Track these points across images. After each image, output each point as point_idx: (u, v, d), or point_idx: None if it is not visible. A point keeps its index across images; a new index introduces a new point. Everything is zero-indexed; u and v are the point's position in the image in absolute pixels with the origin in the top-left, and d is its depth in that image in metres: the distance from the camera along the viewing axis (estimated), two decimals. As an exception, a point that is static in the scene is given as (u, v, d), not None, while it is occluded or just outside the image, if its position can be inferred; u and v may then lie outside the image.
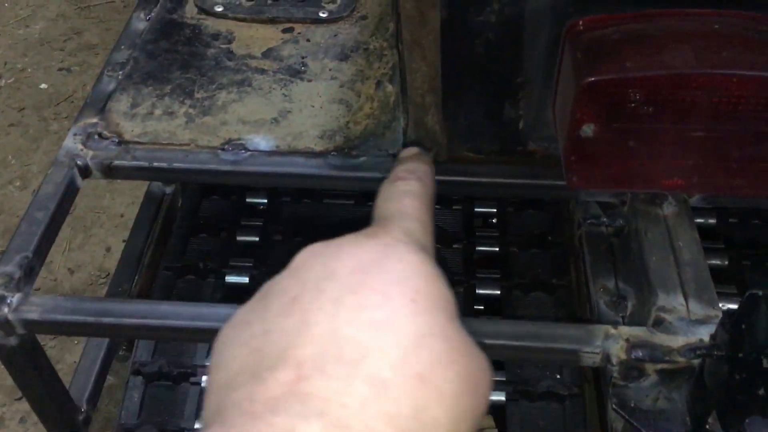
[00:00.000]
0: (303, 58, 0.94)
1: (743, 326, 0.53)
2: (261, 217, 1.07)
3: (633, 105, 0.61)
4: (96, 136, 0.81)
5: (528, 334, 0.65)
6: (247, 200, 1.08)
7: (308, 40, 0.97)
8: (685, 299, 0.66)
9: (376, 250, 0.42)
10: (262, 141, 0.82)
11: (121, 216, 1.79)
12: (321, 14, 1.00)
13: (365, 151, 0.80)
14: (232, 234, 1.03)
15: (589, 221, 0.94)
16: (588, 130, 0.63)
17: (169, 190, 1.09)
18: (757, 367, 0.53)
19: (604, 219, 0.93)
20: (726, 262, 1.00)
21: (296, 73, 0.92)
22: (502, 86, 0.69)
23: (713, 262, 1.01)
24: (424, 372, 0.37)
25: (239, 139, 0.82)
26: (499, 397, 0.87)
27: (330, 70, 0.92)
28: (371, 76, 0.90)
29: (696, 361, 0.61)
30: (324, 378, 0.35)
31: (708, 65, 0.59)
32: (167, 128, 0.83)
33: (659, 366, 0.62)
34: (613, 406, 0.64)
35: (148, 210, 1.06)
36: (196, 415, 0.87)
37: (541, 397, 0.88)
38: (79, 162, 0.79)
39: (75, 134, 0.81)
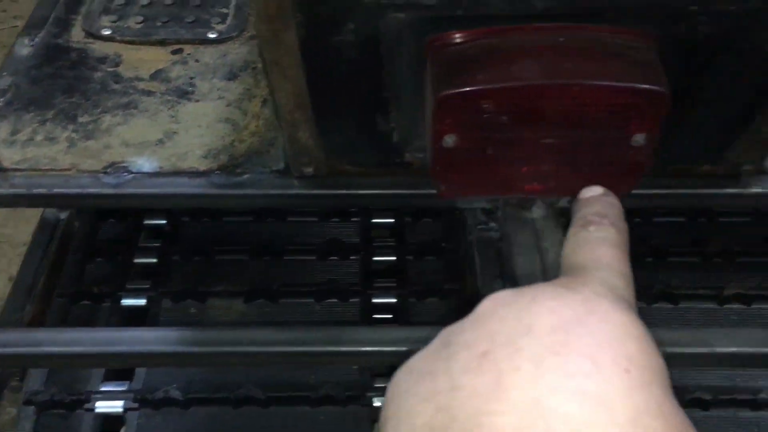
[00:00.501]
0: (191, 78, 0.95)
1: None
2: (159, 239, 1.06)
3: (487, 115, 0.64)
4: (-28, 165, 0.80)
5: (400, 339, 0.67)
6: (145, 222, 1.08)
7: (197, 61, 0.98)
8: (550, 297, 0.69)
9: (576, 305, 0.38)
10: (145, 163, 0.82)
11: (24, 244, 1.75)
12: (210, 35, 1.01)
13: (249, 169, 0.82)
14: (129, 257, 1.03)
15: (478, 227, 0.98)
16: (449, 140, 0.66)
17: (63, 215, 1.07)
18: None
19: (493, 225, 0.98)
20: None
21: (184, 93, 0.93)
22: (371, 102, 0.72)
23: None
24: None
25: (122, 161, 0.82)
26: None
27: (218, 89, 0.93)
28: (258, 95, 0.92)
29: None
30: None
31: (553, 76, 0.63)
32: (48, 154, 0.82)
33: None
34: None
35: (42, 236, 1.05)
36: (92, 441, 0.87)
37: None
38: (-47, 190, 0.78)
39: (-50, 163, 0.80)
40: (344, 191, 0.81)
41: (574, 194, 0.77)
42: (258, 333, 0.68)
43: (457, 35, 0.66)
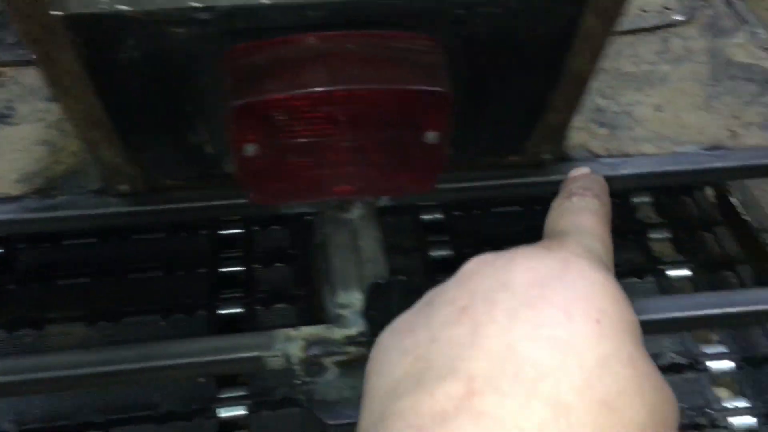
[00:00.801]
0: (10, 101, 0.92)
1: (372, 312, 0.59)
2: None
3: (282, 123, 0.66)
4: None
5: (212, 349, 0.68)
6: (-22, 252, 1.04)
7: (18, 83, 0.95)
8: (362, 294, 0.72)
9: (554, 263, 0.39)
10: (-46, 191, 0.79)
11: None
12: (33, 55, 0.98)
13: (66, 190, 0.80)
14: (-40, 290, 0.99)
15: (321, 231, 1.00)
16: (250, 149, 0.67)
17: None
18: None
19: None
20: (452, 252, 1.10)
21: (2, 117, 0.90)
22: (175, 116, 0.72)
23: (439, 253, 1.10)
24: (609, 399, 0.34)
25: (-72, 191, 0.79)
26: (241, 411, 0.90)
27: (39, 111, 0.91)
28: (79, 114, 0.90)
29: (361, 349, 0.67)
30: (498, 396, 0.33)
31: (341, 82, 0.65)
32: None
33: (335, 358, 0.68)
34: (303, 402, 0.68)
35: None
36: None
37: (281, 405, 0.91)
38: None
39: None
40: (164, 206, 0.81)
41: (382, 193, 0.81)
42: (69, 356, 0.67)
43: (251, 47, 0.67)
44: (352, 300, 0.71)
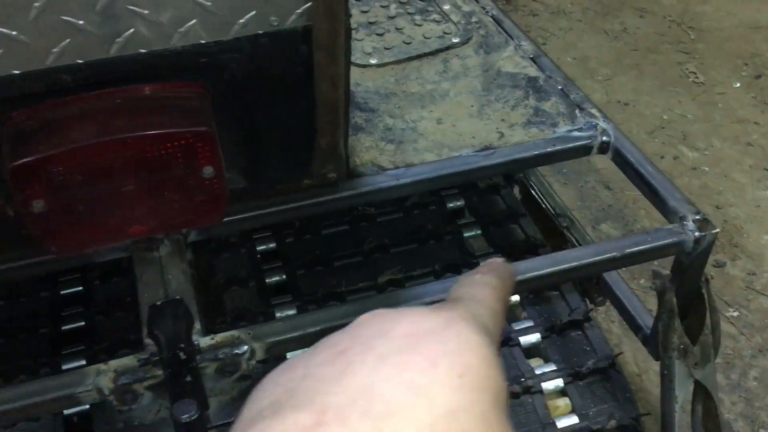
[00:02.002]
0: None
1: (155, 332, 0.66)
2: None
3: (62, 177, 0.73)
4: None
5: (29, 393, 0.73)
6: None
7: None
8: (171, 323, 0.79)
9: (436, 321, 0.42)
10: None
11: None
12: None
13: None
14: None
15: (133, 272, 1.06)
16: (38, 206, 0.74)
17: None
18: (177, 361, 0.66)
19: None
20: (284, 277, 1.18)
21: None
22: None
23: (275, 278, 1.19)
24: None
25: None
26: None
27: None
28: None
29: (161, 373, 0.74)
30: (345, 428, 0.35)
31: (110, 133, 0.73)
32: None
33: (147, 383, 0.74)
34: (117, 427, 0.74)
35: None
36: None
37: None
38: None
39: None
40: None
41: (175, 228, 0.88)
42: None
43: (25, 112, 0.74)
44: (159, 330, 0.78)
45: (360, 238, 1.24)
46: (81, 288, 1.16)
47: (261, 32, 0.72)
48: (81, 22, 0.65)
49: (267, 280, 1.18)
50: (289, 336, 0.78)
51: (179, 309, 0.67)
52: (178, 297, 0.68)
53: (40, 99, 0.72)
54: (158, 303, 0.67)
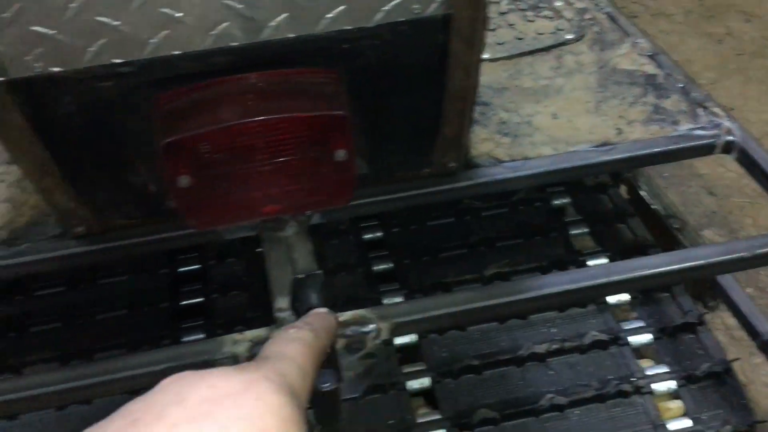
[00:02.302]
0: (-29, 166, 1.03)
1: (297, 305, 0.69)
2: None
3: (207, 154, 0.77)
4: None
5: (168, 357, 0.77)
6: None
7: (-22, 151, 1.06)
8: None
9: (237, 383, 0.42)
10: (-71, 247, 0.89)
11: None
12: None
13: (29, 238, 0.90)
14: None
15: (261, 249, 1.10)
16: (183, 181, 0.78)
17: None
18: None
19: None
20: (391, 265, 1.20)
21: (-35, 181, 1.00)
22: (116, 160, 0.82)
23: (382, 266, 1.21)
24: None
25: None
26: None
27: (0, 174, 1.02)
28: (37, 173, 1.01)
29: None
30: None
31: (253, 114, 0.77)
32: None
33: (277, 355, 0.77)
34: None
35: None
36: None
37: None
38: None
39: None
40: (118, 244, 0.91)
41: (306, 209, 0.91)
42: (36, 377, 0.75)
43: (175, 93, 0.78)
44: (285, 305, 0.81)
45: (465, 231, 1.26)
46: (199, 266, 1.21)
47: (402, 20, 0.74)
48: (240, 6, 0.69)
49: (374, 268, 1.20)
50: (413, 318, 0.80)
51: (319, 282, 0.70)
52: (319, 271, 0.71)
53: (191, 80, 0.76)
54: (301, 276, 0.70)
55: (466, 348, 1.08)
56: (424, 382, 1.04)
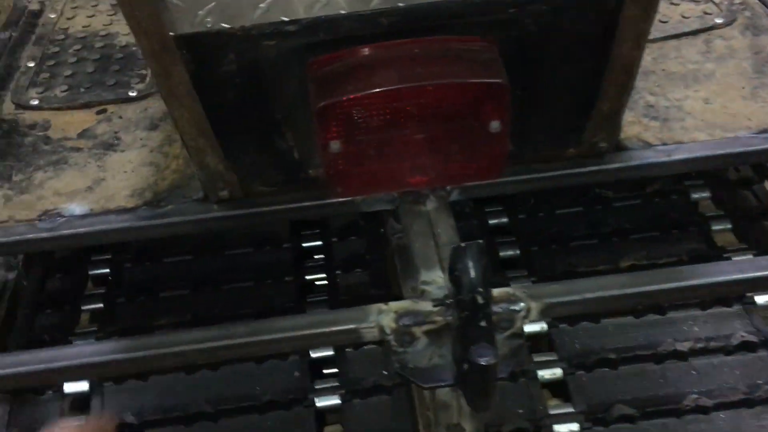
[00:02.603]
0: (116, 133, 1.05)
1: (457, 273, 0.66)
2: (104, 286, 1.14)
3: (361, 120, 0.75)
4: None
5: (314, 323, 0.76)
6: (90, 272, 1.15)
7: (120, 117, 1.08)
8: (443, 272, 0.79)
9: None
10: (76, 207, 0.91)
11: None
12: (131, 93, 1.11)
13: (172, 201, 0.91)
14: (76, 305, 1.10)
15: (396, 236, 1.08)
16: (335, 146, 0.77)
17: (11, 275, 1.15)
18: (474, 304, 0.66)
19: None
20: (518, 252, 1.16)
21: (110, 146, 1.02)
22: (265, 123, 0.82)
23: (509, 252, 1.17)
24: None
25: (55, 209, 0.91)
26: (335, 401, 0.98)
27: (141, 139, 1.03)
28: (177, 139, 1.02)
29: (450, 318, 0.74)
30: None
31: (410, 80, 0.74)
32: (-14, 210, 0.91)
33: (424, 328, 0.75)
34: (396, 370, 0.75)
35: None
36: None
37: (371, 393, 0.98)
38: None
39: None
40: (258, 210, 0.91)
41: (453, 182, 0.88)
42: (188, 334, 0.76)
43: (330, 57, 0.77)
44: (434, 277, 0.79)
45: (596, 221, 1.20)
46: (322, 243, 1.21)
47: (574, -16, 0.70)
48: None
49: (501, 254, 1.16)
50: (566, 299, 0.76)
51: (478, 253, 0.67)
52: (479, 241, 0.68)
53: (349, 44, 0.75)
54: (461, 245, 0.67)
55: (599, 341, 1.03)
56: (556, 372, 0.99)
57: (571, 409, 0.96)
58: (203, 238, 1.19)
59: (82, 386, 0.99)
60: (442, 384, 0.74)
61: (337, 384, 0.99)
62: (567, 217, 1.21)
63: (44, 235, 0.87)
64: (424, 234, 0.85)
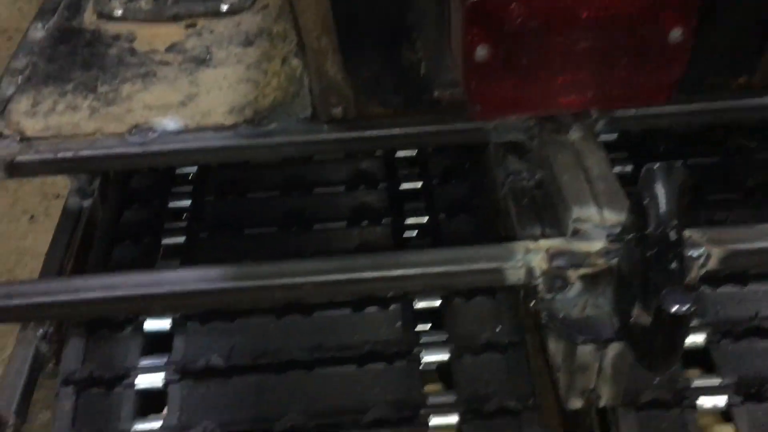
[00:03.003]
0: (208, 47, 0.94)
1: (646, 201, 0.54)
2: (185, 220, 1.05)
3: (517, 21, 0.63)
4: (-4, 136, 0.79)
5: (450, 259, 0.65)
6: (170, 204, 1.06)
7: (212, 32, 0.97)
8: (599, 209, 0.67)
9: None
10: (170, 122, 0.81)
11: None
12: (222, 7, 1.00)
13: (275, 119, 0.81)
14: (157, 240, 1.01)
15: (511, 178, 0.96)
16: (481, 53, 0.65)
17: (87, 203, 1.06)
18: (664, 240, 0.54)
19: (525, 174, 0.95)
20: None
21: (202, 61, 0.92)
22: (395, 29, 0.70)
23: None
24: None
25: (146, 123, 0.81)
26: (443, 356, 0.86)
27: (235, 55, 0.93)
28: (276, 56, 0.91)
29: (615, 261, 0.62)
30: None
31: (582, -27, 0.62)
32: (71, 121, 0.81)
33: (581, 272, 0.63)
34: (543, 319, 0.64)
35: (66, 224, 1.03)
36: (134, 417, 0.83)
37: (484, 350, 0.87)
38: (-21, 161, 0.76)
39: (-26, 137, 0.79)
40: (373, 133, 0.79)
41: (615, 105, 0.76)
42: (304, 264, 0.65)
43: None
44: (588, 214, 0.67)
45: (735, 174, 1.06)
46: (421, 185, 1.09)
47: None
48: None
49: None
50: (754, 246, 0.63)
51: (674, 178, 0.55)
52: (677, 162, 0.55)
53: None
54: (653, 167, 0.55)
55: (745, 308, 0.90)
56: (696, 339, 0.87)
57: (716, 381, 0.83)
58: (289, 174, 1.09)
59: (164, 324, 0.90)
60: (602, 339, 0.62)
61: (445, 338, 0.88)
62: (701, 168, 1.07)
63: (135, 150, 0.78)
64: (571, 166, 0.72)
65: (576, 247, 0.64)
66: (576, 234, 0.65)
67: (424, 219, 1.04)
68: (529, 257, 0.64)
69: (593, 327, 0.62)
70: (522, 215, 0.91)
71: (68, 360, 0.87)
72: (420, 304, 0.91)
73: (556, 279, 0.63)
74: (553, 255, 0.63)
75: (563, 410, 0.98)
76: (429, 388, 0.90)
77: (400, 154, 1.13)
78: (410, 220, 1.03)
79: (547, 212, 0.91)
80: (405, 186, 1.08)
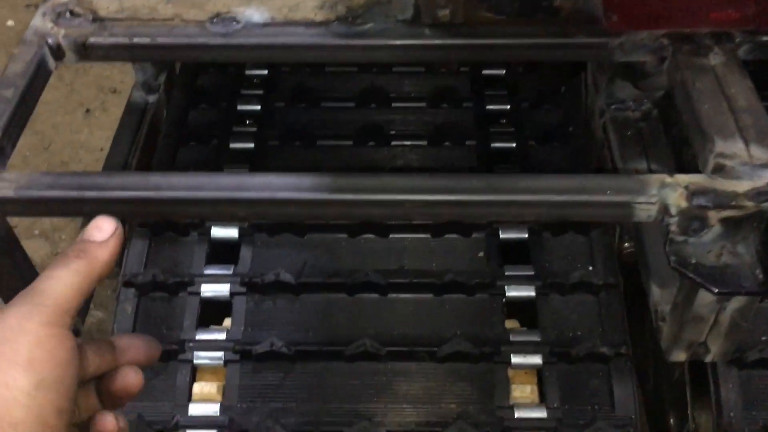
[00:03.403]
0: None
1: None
2: (255, 124, 0.98)
3: None
4: (68, 14, 0.72)
5: (573, 188, 0.57)
6: (239, 107, 0.99)
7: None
8: (746, 144, 0.59)
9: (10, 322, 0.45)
10: (254, 13, 0.73)
11: (101, 150, 1.66)
12: None
13: (371, 19, 0.72)
14: (225, 144, 0.95)
15: (614, 107, 0.87)
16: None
17: (152, 98, 0.99)
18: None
19: (631, 103, 0.86)
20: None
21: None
22: None
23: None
24: None
25: (228, 12, 0.73)
26: (529, 292, 0.80)
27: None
28: (371, -51, 0.82)
29: (766, 205, 0.54)
30: None
31: None
32: (147, 4, 0.73)
33: (724, 213, 0.55)
34: (673, 264, 0.56)
35: (130, 119, 0.97)
36: (197, 326, 0.79)
37: (573, 290, 0.80)
38: (50, 41, 0.70)
39: (44, 13, 0.72)
40: (483, 41, 0.71)
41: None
42: (408, 180, 0.58)
43: None
44: (735, 150, 0.58)
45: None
46: (509, 107, 1.01)
47: None
48: None
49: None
50: None
51: None
52: None
53: None
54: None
55: None
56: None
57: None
58: (364, 87, 1.01)
59: (232, 232, 0.85)
60: (744, 291, 0.55)
61: (532, 273, 0.81)
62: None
63: (218, 41, 0.70)
64: (712, 94, 0.63)
65: (720, 186, 0.55)
66: (719, 170, 0.57)
67: (512, 144, 0.96)
68: (666, 192, 0.56)
69: (733, 277, 0.55)
70: (625, 148, 0.83)
71: (131, 262, 0.83)
72: (506, 235, 0.85)
73: (694, 220, 0.55)
74: (693, 192, 0.55)
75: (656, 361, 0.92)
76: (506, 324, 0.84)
77: (487, 72, 1.04)
78: (496, 144, 0.96)
79: (654, 149, 0.82)
80: (491, 107, 1.00)
